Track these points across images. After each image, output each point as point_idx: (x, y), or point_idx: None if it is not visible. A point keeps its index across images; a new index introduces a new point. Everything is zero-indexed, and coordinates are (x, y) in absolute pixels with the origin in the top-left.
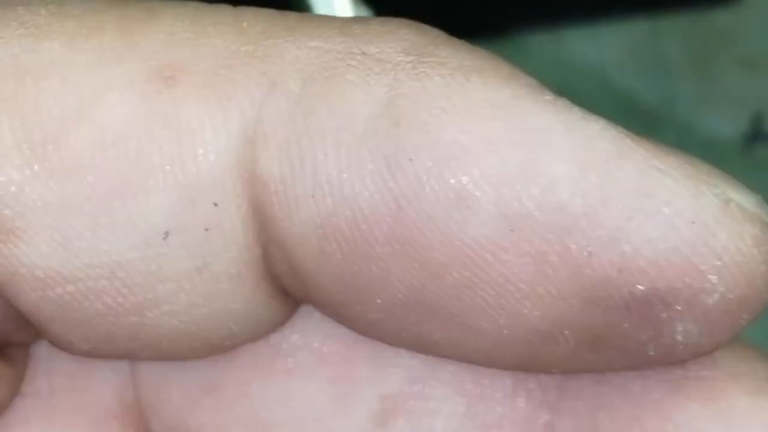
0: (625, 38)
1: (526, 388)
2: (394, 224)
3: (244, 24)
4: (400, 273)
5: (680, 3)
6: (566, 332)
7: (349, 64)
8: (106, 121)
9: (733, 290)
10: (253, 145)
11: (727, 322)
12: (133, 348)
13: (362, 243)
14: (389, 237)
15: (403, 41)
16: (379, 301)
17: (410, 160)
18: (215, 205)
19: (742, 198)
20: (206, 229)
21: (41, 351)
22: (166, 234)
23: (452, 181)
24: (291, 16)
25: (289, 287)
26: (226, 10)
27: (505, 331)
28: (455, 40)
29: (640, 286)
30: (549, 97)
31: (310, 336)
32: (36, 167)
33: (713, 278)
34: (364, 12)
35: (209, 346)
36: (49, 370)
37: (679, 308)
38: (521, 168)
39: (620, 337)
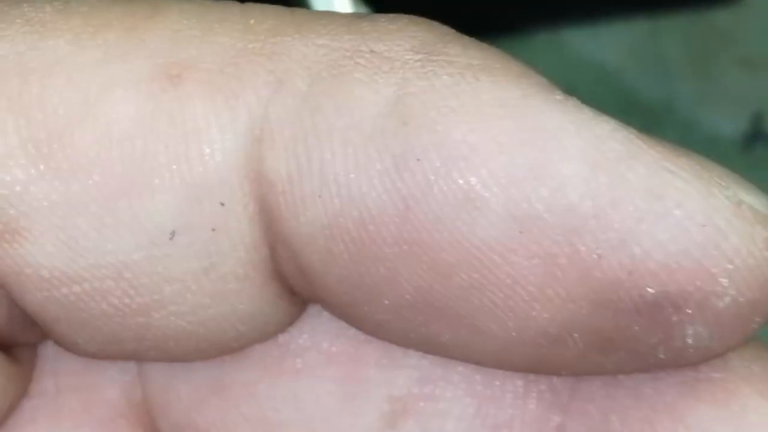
0: (625, 38)
1: (537, 389)
2: (402, 225)
3: (251, 21)
4: (408, 274)
5: (680, 3)
6: (575, 335)
7: (357, 62)
8: (112, 119)
9: (744, 293)
10: (260, 143)
11: (738, 325)
12: (140, 349)
13: (370, 243)
14: (397, 238)
15: (411, 39)
16: (386, 302)
17: (418, 160)
18: (222, 204)
19: (753, 199)
20: (213, 229)
21: (48, 351)
22: (173, 234)
23: (461, 181)
24: (299, 13)
25: (297, 287)
26: (233, 6)
27: (513, 333)
28: (464, 38)
29: (650, 289)
30: (559, 96)
31: (319, 336)
32: (41, 166)
33: (724, 281)
34: (364, 11)
35: (216, 347)
36: (55, 370)
37: (690, 311)
38: (530, 169)
39: (630, 340)
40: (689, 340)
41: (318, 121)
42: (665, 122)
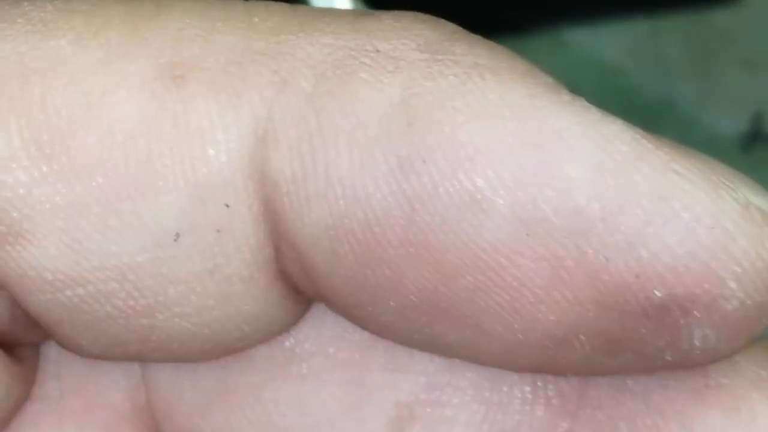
0: (625, 38)
1: (545, 395)
2: (408, 227)
3: (255, 19)
4: (413, 275)
5: (680, 3)
6: (582, 337)
7: (362, 61)
8: (115, 120)
9: (752, 296)
10: (264, 144)
11: (746, 327)
12: (144, 350)
13: (375, 245)
14: (402, 239)
15: (417, 37)
16: (391, 303)
17: (424, 161)
18: (227, 206)
19: (761, 201)
20: (218, 231)
21: (51, 354)
22: (177, 235)
23: (467, 183)
24: (302, 10)
25: (301, 286)
26: (236, 4)
27: (519, 335)
28: (471, 36)
29: (657, 292)
30: (566, 96)
31: (325, 341)
32: (44, 168)
33: (732, 284)
34: (362, 8)
35: (221, 348)
36: (58, 373)
37: (698, 314)
38: (537, 170)
39: (637, 343)
40: (696, 342)
41: (323, 121)
42: (665, 122)
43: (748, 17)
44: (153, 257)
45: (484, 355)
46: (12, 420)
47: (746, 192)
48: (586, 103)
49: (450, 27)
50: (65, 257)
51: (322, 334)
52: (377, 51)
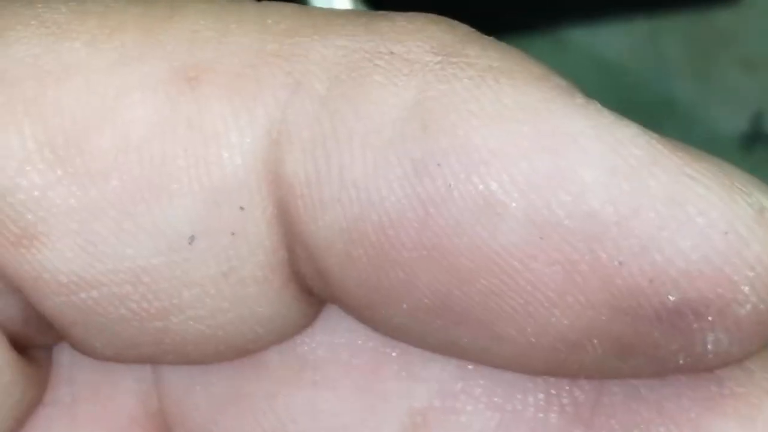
0: (625, 38)
1: (559, 403)
2: (422, 230)
3: (269, 21)
4: (427, 279)
5: (680, 3)
6: (595, 341)
7: (376, 64)
8: (129, 123)
9: (765, 300)
10: (278, 146)
11: (759, 331)
12: (158, 353)
13: (389, 248)
14: (416, 242)
15: (431, 39)
16: (404, 305)
17: (438, 164)
18: (241, 208)
19: None
20: (232, 233)
21: (63, 359)
22: (192, 238)
23: (481, 186)
24: (316, 12)
25: (315, 288)
26: (250, 6)
27: (532, 339)
28: (484, 38)
29: (671, 296)
30: (580, 100)
31: (338, 348)
32: (59, 171)
33: (746, 289)
34: (362, 9)
35: (234, 350)
36: (71, 378)
37: (711, 319)
38: (551, 174)
39: (650, 346)
40: (709, 347)
41: (337, 124)
42: (665, 122)
43: (748, 17)
44: (167, 260)
45: (497, 358)
46: (26, 422)
47: (760, 197)
48: (599, 107)
49: (463, 29)
50: (80, 260)
51: (335, 341)
52: (391, 53)
